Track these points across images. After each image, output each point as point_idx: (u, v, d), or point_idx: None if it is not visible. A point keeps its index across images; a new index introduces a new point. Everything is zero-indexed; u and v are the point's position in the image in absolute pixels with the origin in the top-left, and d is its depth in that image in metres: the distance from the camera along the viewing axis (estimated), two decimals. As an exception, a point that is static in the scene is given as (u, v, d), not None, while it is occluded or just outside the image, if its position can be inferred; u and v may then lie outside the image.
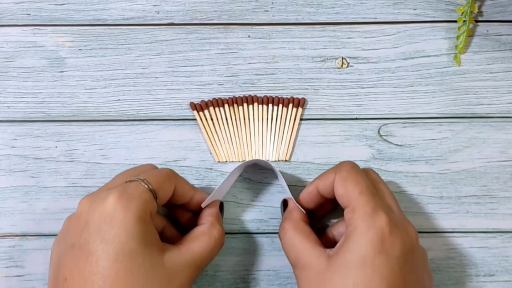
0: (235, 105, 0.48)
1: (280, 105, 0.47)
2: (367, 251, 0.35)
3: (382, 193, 0.41)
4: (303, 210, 0.44)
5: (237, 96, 0.48)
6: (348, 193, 0.39)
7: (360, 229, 0.36)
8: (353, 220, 0.37)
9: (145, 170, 0.41)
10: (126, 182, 0.37)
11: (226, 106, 0.48)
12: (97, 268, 0.34)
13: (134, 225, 0.34)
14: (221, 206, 0.45)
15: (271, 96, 0.48)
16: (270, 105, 0.47)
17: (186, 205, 0.43)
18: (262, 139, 0.48)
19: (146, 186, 0.37)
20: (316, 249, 0.39)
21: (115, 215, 0.34)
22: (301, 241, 0.40)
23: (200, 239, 0.40)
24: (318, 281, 0.37)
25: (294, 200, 0.44)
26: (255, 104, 0.48)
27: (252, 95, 0.48)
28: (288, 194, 0.44)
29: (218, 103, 0.48)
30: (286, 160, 0.48)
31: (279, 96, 0.47)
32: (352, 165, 0.41)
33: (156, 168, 0.43)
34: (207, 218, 0.42)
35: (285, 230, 0.42)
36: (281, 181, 0.45)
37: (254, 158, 0.47)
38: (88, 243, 0.34)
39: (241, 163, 0.45)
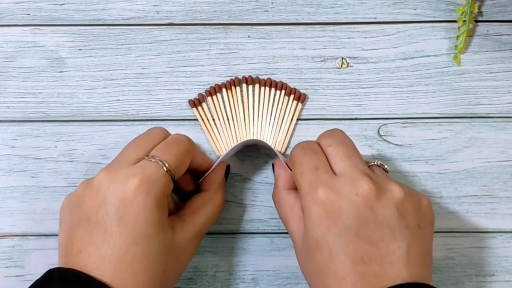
0: (233, 88, 0.48)
1: (283, 91, 0.47)
2: (316, 232, 0.35)
3: (332, 157, 0.38)
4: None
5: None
6: (295, 177, 0.38)
7: (306, 212, 0.36)
8: (301, 202, 0.37)
9: (158, 138, 0.40)
10: (144, 159, 0.37)
11: (224, 90, 0.48)
12: (114, 249, 0.34)
13: (153, 210, 0.35)
14: (228, 168, 0.45)
15: (274, 80, 0.48)
16: (273, 89, 0.48)
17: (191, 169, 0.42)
18: (261, 120, 0.48)
19: (166, 168, 0.36)
20: (297, 225, 0.39)
21: (135, 200, 0.35)
22: (286, 216, 0.40)
23: (203, 209, 0.40)
24: (300, 258, 0.38)
25: (283, 161, 0.43)
26: (256, 85, 0.48)
27: (254, 76, 0.48)
28: (279, 157, 0.43)
29: (215, 90, 0.48)
30: (282, 154, 0.48)
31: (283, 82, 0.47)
32: (299, 147, 0.40)
33: (168, 134, 0.42)
34: (211, 185, 0.42)
35: (274, 201, 0.42)
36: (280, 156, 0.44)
37: (252, 138, 0.47)
38: (105, 222, 0.34)
39: (239, 142, 0.45)
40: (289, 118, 0.49)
